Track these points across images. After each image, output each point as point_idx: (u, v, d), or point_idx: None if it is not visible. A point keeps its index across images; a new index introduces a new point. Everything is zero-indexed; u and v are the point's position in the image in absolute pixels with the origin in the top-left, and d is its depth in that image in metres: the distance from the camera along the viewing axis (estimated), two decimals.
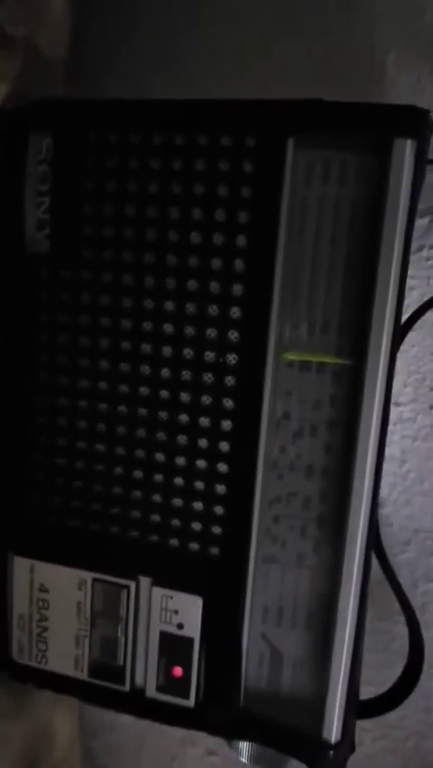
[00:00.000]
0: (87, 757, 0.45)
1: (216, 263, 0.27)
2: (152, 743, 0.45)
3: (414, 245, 0.33)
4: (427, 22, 0.32)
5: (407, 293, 0.33)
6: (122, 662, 0.31)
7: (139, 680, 0.31)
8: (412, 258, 0.33)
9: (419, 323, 0.32)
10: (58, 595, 0.31)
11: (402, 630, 0.33)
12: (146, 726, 0.33)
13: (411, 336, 0.32)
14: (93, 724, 0.44)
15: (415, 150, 0.25)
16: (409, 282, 0.33)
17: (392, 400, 0.34)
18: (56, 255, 0.29)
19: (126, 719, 0.31)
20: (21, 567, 0.31)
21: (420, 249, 0.33)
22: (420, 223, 0.33)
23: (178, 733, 0.44)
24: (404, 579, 0.35)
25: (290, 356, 0.27)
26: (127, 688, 0.31)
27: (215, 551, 0.29)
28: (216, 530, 0.29)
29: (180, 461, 0.29)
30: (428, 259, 0.33)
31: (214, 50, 0.34)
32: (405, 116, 0.25)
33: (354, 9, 0.32)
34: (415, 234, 0.33)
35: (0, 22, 0.27)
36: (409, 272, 0.33)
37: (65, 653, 0.32)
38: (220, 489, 0.28)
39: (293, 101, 0.26)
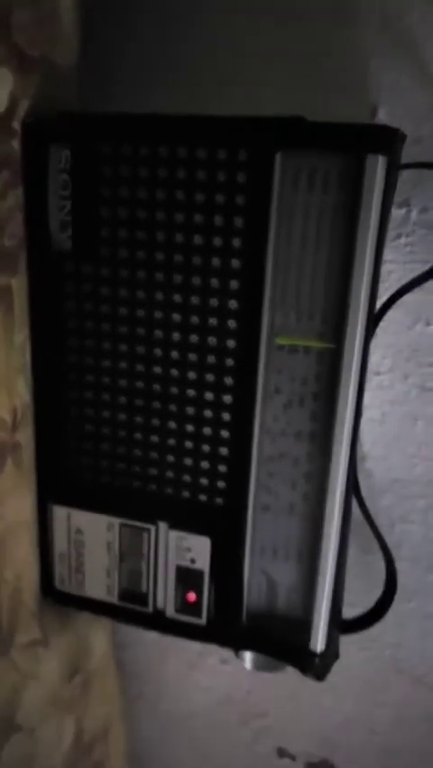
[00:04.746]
0: (119, 666, 0.53)
1: (216, 261, 0.31)
2: (173, 654, 0.52)
3: (393, 233, 0.37)
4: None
5: (386, 276, 0.37)
6: (146, 590, 0.37)
7: (160, 603, 0.37)
8: (391, 245, 0.37)
9: (396, 303, 0.36)
10: (91, 536, 0.37)
11: (382, 563, 0.39)
12: (168, 640, 0.40)
13: (390, 315, 0.36)
14: (123, 639, 0.52)
15: (386, 163, 0.28)
16: (389, 267, 0.37)
17: (373, 370, 0.39)
18: (77, 252, 0.33)
19: (151, 635, 0.37)
20: (60, 514, 0.38)
21: (398, 236, 0.37)
22: (398, 213, 0.36)
23: (195, 646, 0.51)
24: (383, 520, 0.41)
25: (281, 341, 0.32)
26: (151, 610, 0.38)
27: (219, 501, 0.35)
28: (221, 484, 0.34)
29: (190, 428, 0.34)
30: (405, 245, 0.37)
31: (211, 49, 0.37)
32: (377, 135, 0.28)
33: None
34: (393, 224, 0.37)
35: (21, 46, 0.30)
36: (388, 257, 0.37)
37: (99, 583, 0.38)
38: (223, 451, 0.34)
39: (279, 118, 0.29)
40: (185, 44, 0.37)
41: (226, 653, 0.41)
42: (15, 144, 0.31)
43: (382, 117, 0.35)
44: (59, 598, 0.39)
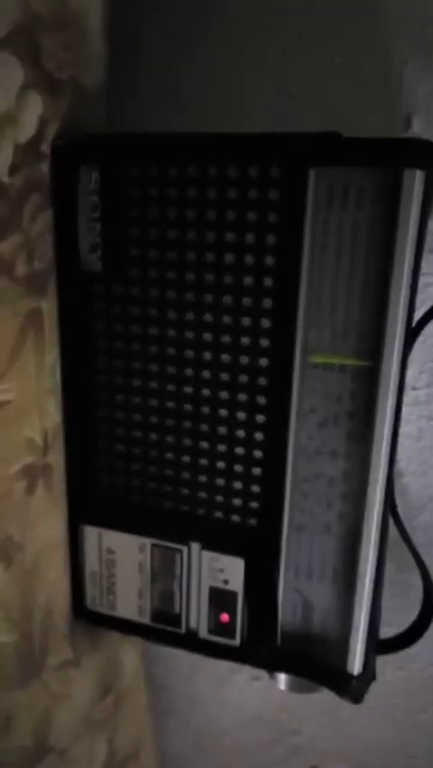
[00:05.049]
0: (149, 681, 0.53)
1: (248, 280, 0.31)
2: (204, 669, 0.52)
3: (429, 245, 0.36)
4: None
5: (423, 289, 0.36)
6: (178, 610, 0.37)
7: (193, 624, 0.37)
8: (427, 257, 0.36)
9: None
10: (123, 556, 0.37)
11: (418, 580, 0.38)
12: (199, 656, 0.40)
13: (427, 328, 0.35)
14: (155, 653, 0.52)
15: (424, 178, 0.28)
16: (425, 279, 0.36)
17: (410, 385, 0.38)
18: (107, 273, 0.33)
19: (183, 651, 0.37)
20: (91, 534, 0.37)
21: None
22: None
23: (227, 662, 0.50)
24: (420, 538, 0.40)
25: (316, 359, 0.31)
26: (183, 630, 0.37)
27: (253, 522, 0.34)
28: (254, 505, 0.34)
29: (222, 448, 0.34)
30: None
31: (239, 61, 0.36)
32: (414, 149, 0.27)
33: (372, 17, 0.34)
34: (429, 236, 0.35)
35: (49, 69, 0.30)
36: (424, 270, 0.36)
37: (130, 603, 0.38)
38: (256, 471, 0.33)
39: (312, 134, 0.28)
40: (210, 57, 0.36)
41: (258, 669, 0.40)
42: (45, 167, 0.31)
43: (417, 127, 0.34)
44: (90, 619, 0.39)
